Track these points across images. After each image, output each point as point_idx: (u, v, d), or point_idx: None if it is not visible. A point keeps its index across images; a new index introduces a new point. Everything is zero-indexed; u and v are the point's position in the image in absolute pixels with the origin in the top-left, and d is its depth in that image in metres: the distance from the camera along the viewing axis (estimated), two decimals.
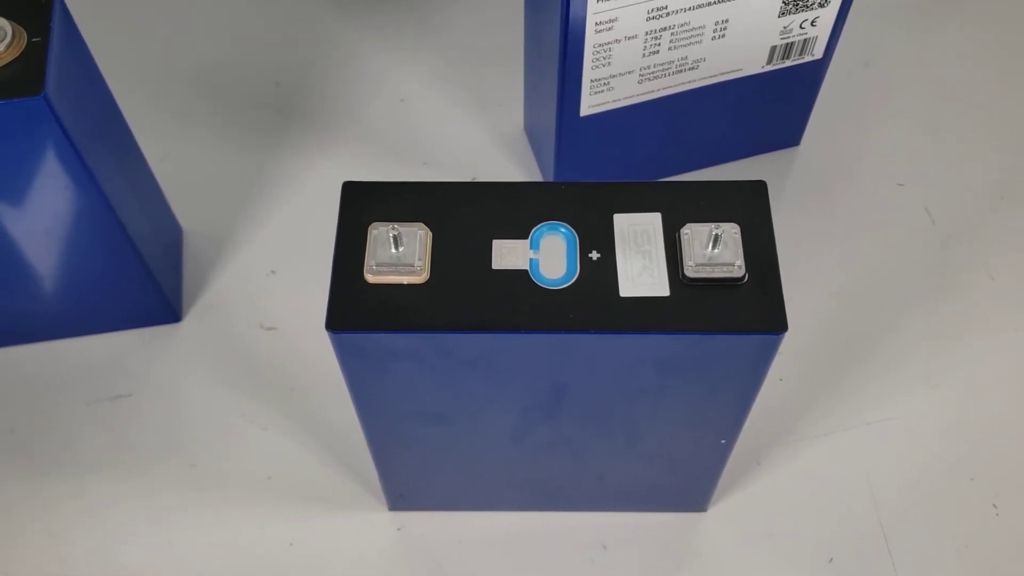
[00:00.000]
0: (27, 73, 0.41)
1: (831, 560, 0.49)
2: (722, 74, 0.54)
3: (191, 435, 0.53)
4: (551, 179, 0.59)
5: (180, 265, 0.58)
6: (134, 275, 0.52)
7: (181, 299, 0.57)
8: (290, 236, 0.59)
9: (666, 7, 0.48)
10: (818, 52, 0.55)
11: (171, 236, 0.58)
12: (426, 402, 0.40)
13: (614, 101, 0.53)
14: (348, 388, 0.39)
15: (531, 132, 0.62)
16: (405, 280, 0.35)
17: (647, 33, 0.49)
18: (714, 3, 0.49)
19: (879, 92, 0.65)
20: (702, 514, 0.50)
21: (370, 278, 0.35)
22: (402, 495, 0.49)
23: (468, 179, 0.61)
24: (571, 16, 0.47)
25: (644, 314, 0.35)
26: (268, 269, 0.58)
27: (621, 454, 0.44)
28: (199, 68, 0.66)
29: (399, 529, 0.50)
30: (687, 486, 0.48)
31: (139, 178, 0.54)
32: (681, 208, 0.37)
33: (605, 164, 0.58)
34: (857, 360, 0.54)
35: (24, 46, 0.41)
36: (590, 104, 0.53)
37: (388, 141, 0.63)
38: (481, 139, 0.63)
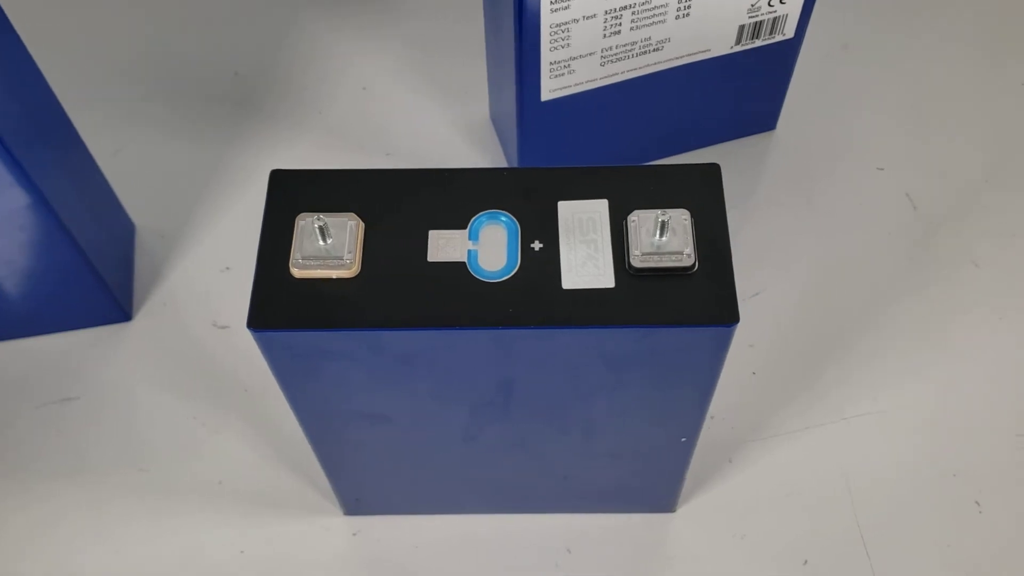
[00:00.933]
0: None
1: (806, 562, 0.47)
2: (689, 55, 0.52)
3: (141, 439, 0.51)
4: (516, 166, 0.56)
5: (131, 262, 0.56)
6: (80, 274, 0.50)
7: (131, 297, 0.55)
8: (245, 232, 0.57)
9: None
10: (789, 31, 0.53)
11: (122, 233, 0.56)
12: (365, 403, 0.37)
13: (576, 84, 0.51)
14: (282, 390, 0.37)
15: (496, 120, 0.60)
16: (334, 274, 0.33)
17: (606, 12, 0.47)
18: None
19: (858, 74, 0.62)
20: (671, 515, 0.48)
21: (296, 272, 0.33)
22: (357, 499, 0.47)
23: None
24: None
25: (587, 307, 0.33)
26: (222, 266, 0.56)
27: (580, 453, 0.42)
28: (153, 58, 0.64)
29: (355, 534, 0.48)
30: (652, 486, 0.46)
31: (83, 174, 0.52)
32: (630, 194, 0.35)
33: (570, 152, 0.56)
34: (834, 352, 0.52)
35: None
36: (551, 88, 0.51)
37: (350, 131, 0.61)
38: (446, 129, 0.61)
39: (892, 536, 0.47)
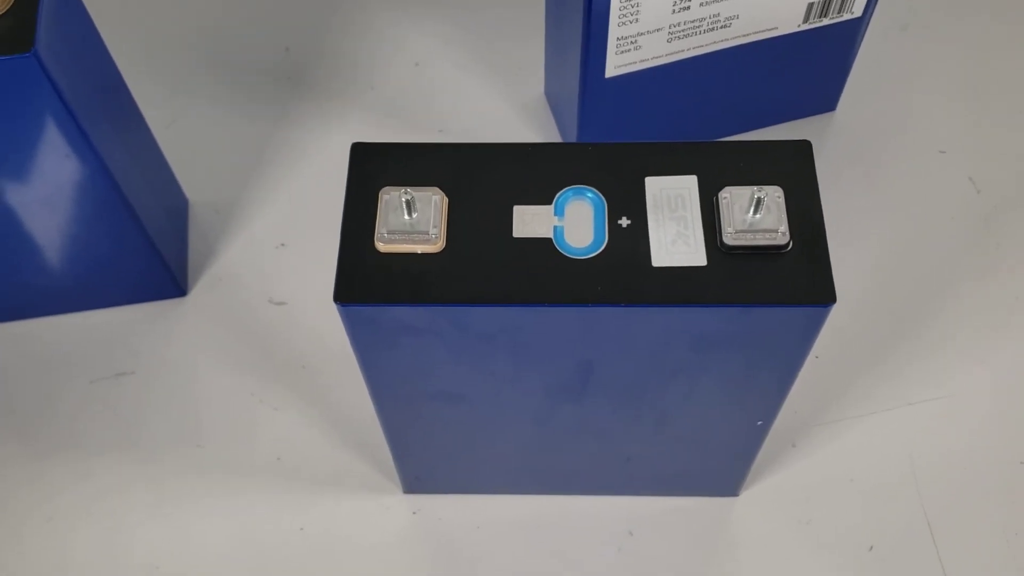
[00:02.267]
0: (16, 29, 0.38)
1: (871, 548, 0.46)
2: (755, 33, 0.51)
3: (198, 415, 0.50)
4: None
5: (185, 237, 0.55)
6: (137, 247, 0.50)
7: (187, 272, 0.54)
8: (300, 207, 0.56)
9: None
10: (857, 9, 0.52)
11: (176, 207, 0.55)
12: (442, 380, 0.37)
13: (641, 61, 0.50)
14: (359, 365, 0.36)
15: (552, 97, 0.59)
16: (419, 249, 0.33)
17: None
18: None
19: (918, 54, 0.61)
20: (734, 499, 0.48)
21: (381, 247, 0.33)
22: (417, 477, 0.47)
23: None
24: None
25: (679, 285, 0.32)
26: (278, 242, 0.55)
27: (650, 436, 0.41)
28: (206, 32, 0.63)
29: (415, 513, 0.48)
30: (719, 470, 0.45)
31: (142, 145, 0.51)
32: (718, 170, 0.34)
33: (630, 130, 0.55)
34: (899, 337, 0.51)
35: (12, 2, 0.39)
36: (616, 64, 0.50)
37: (402, 107, 0.60)
38: (499, 105, 0.60)
39: (958, 523, 0.47)
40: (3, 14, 0.38)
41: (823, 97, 0.58)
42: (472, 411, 0.39)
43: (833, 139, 0.58)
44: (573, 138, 0.55)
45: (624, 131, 0.54)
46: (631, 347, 0.34)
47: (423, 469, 0.46)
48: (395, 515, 0.48)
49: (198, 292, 0.54)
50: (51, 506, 0.48)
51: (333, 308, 0.53)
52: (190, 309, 0.53)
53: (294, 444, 0.49)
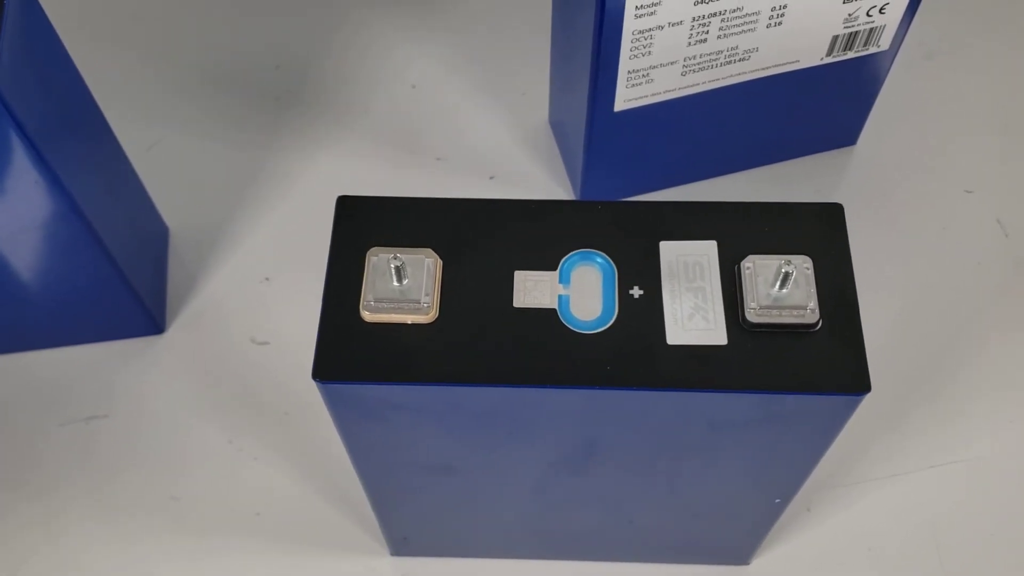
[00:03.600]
0: None
1: None
2: (776, 66, 0.48)
3: (173, 464, 0.47)
4: (579, 179, 0.52)
5: (164, 269, 0.52)
6: (110, 283, 0.46)
7: (165, 307, 0.51)
8: (287, 240, 0.53)
9: None
10: (884, 43, 0.48)
11: (155, 237, 0.52)
12: (435, 455, 0.34)
13: (653, 95, 0.47)
14: (341, 438, 0.33)
15: (557, 126, 0.55)
16: (409, 319, 0.30)
17: (694, 19, 0.43)
18: None
19: (943, 87, 0.58)
20: (744, 568, 0.44)
21: (367, 316, 0.30)
22: (406, 539, 0.44)
23: (486, 177, 0.55)
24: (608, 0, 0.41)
25: (697, 367, 0.29)
26: (262, 276, 0.52)
27: (659, 508, 0.38)
28: (190, 47, 0.60)
29: None
30: (731, 540, 0.42)
31: (116, 173, 0.48)
32: (740, 235, 0.31)
33: (639, 164, 0.52)
34: (920, 394, 0.48)
35: None
36: (626, 98, 0.47)
37: (397, 133, 0.57)
38: (500, 132, 0.57)
39: None
40: None
41: (843, 131, 0.55)
42: (464, 482, 0.36)
43: (852, 176, 0.55)
44: (578, 172, 0.52)
45: (632, 166, 0.51)
46: (641, 429, 0.31)
47: (411, 532, 0.43)
48: None
49: (176, 329, 0.51)
50: (14, 555, 0.45)
51: None
52: (167, 347, 0.50)
53: (274, 498, 0.46)
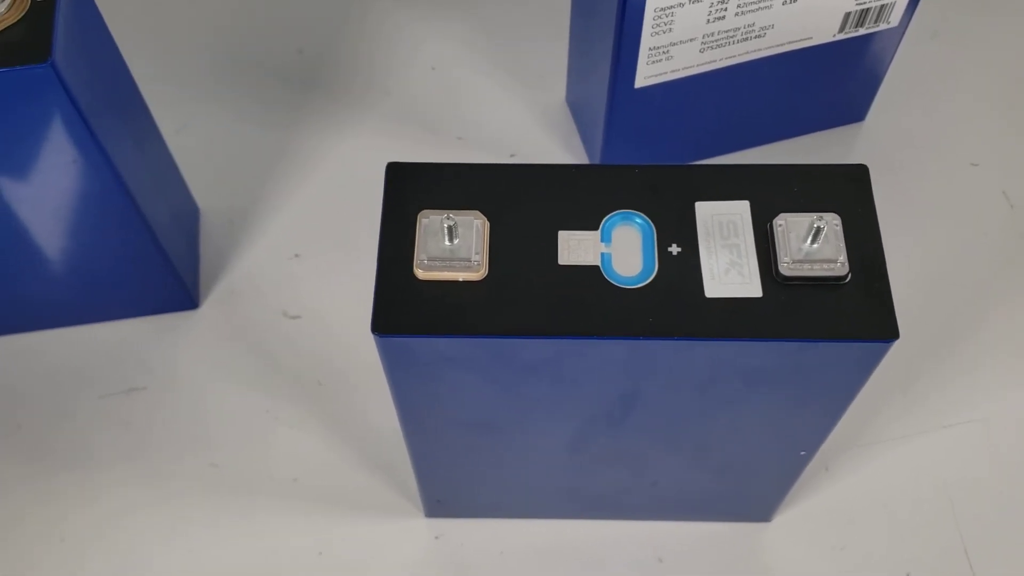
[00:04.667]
0: (32, 37, 0.36)
1: (908, 575, 0.45)
2: (790, 43, 0.49)
3: (211, 433, 0.49)
4: (598, 156, 0.54)
5: (197, 247, 0.54)
6: (149, 258, 0.48)
7: (198, 284, 0.52)
8: (314, 216, 0.55)
9: None
10: (894, 20, 0.50)
11: (187, 216, 0.53)
12: (479, 411, 0.35)
13: (672, 72, 0.49)
14: (392, 394, 0.35)
15: (575, 105, 0.57)
16: (460, 276, 0.31)
17: None
18: None
19: (949, 64, 0.60)
20: (766, 524, 0.46)
21: (421, 274, 0.31)
22: (440, 501, 0.45)
23: (507, 155, 0.57)
24: None
25: (735, 318, 0.30)
26: (291, 252, 0.54)
27: (688, 464, 0.40)
28: (217, 32, 0.61)
29: (437, 538, 0.46)
30: (754, 496, 0.44)
31: (154, 154, 0.49)
32: (771, 195, 0.33)
33: (657, 140, 0.53)
34: (933, 357, 0.50)
35: (28, 6, 0.37)
36: (646, 75, 0.48)
37: (419, 113, 0.58)
38: (520, 111, 0.58)
39: (996, 548, 0.45)
40: (17, 21, 0.37)
41: (853, 107, 0.57)
42: (504, 439, 0.38)
43: (861, 151, 0.57)
44: (597, 148, 0.54)
45: (650, 142, 0.53)
46: (680, 380, 0.33)
47: (446, 493, 0.44)
48: (416, 540, 0.46)
49: (210, 304, 0.52)
50: (64, 526, 0.46)
51: (349, 322, 0.52)
52: (202, 322, 0.51)
53: (311, 464, 0.48)
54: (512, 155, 0.57)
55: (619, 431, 0.37)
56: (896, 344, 0.50)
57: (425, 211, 0.32)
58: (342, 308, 0.51)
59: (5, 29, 0.36)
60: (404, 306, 0.31)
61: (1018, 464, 0.47)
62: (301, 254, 0.54)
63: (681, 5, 0.45)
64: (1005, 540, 0.46)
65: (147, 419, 0.49)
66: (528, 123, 0.58)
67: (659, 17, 0.45)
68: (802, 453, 0.38)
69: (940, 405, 0.49)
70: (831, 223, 0.31)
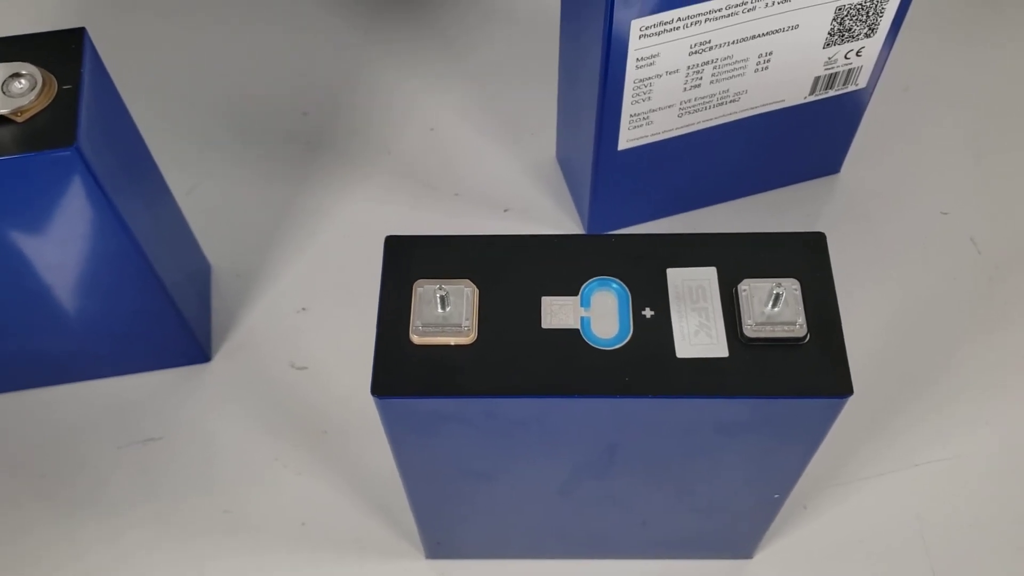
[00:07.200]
0: (58, 123, 0.40)
1: None
2: (763, 105, 0.52)
3: (224, 480, 0.52)
4: (586, 210, 0.57)
5: (209, 303, 0.57)
6: (164, 315, 0.51)
7: (210, 338, 0.55)
8: (321, 271, 0.58)
9: (709, 41, 0.47)
10: (862, 81, 0.53)
11: (199, 273, 0.56)
12: (473, 462, 0.38)
13: (652, 135, 0.52)
14: (391, 449, 0.37)
15: (564, 163, 0.60)
16: (452, 341, 0.34)
17: (689, 67, 0.48)
18: (758, 36, 0.48)
19: (919, 117, 0.63)
20: (748, 561, 0.49)
21: (416, 339, 0.34)
22: (439, 543, 0.48)
23: (500, 210, 0.60)
24: (612, 52, 0.46)
25: (704, 377, 0.33)
26: (298, 306, 0.57)
27: (670, 506, 0.42)
28: (225, 98, 0.65)
29: None
30: (736, 534, 0.46)
31: (167, 215, 0.53)
32: (736, 261, 0.36)
33: (641, 196, 0.56)
34: (904, 398, 0.53)
35: (55, 94, 0.40)
36: (628, 138, 0.51)
37: (419, 171, 0.62)
38: (513, 168, 0.62)
39: None
40: (45, 107, 0.40)
41: (828, 161, 0.60)
42: (498, 486, 0.41)
43: (837, 201, 0.60)
44: (585, 203, 0.57)
45: (634, 198, 0.56)
46: (655, 432, 0.36)
47: (445, 536, 0.47)
48: None
49: (221, 357, 0.55)
50: (82, 565, 0.49)
51: (353, 372, 0.54)
52: (214, 374, 0.54)
53: (317, 509, 0.51)
54: (506, 209, 0.60)
55: (605, 477, 0.40)
56: (869, 385, 0.53)
57: (420, 280, 0.35)
58: (345, 358, 0.54)
59: (34, 116, 0.40)
60: (401, 370, 0.34)
61: (986, 500, 0.50)
62: (308, 307, 0.57)
63: (659, 76, 0.48)
64: (975, 572, 0.48)
65: (163, 468, 0.52)
66: (521, 179, 0.61)
67: (639, 87, 0.48)
68: (775, 496, 0.41)
69: (913, 444, 0.52)
70: (790, 288, 0.34)
